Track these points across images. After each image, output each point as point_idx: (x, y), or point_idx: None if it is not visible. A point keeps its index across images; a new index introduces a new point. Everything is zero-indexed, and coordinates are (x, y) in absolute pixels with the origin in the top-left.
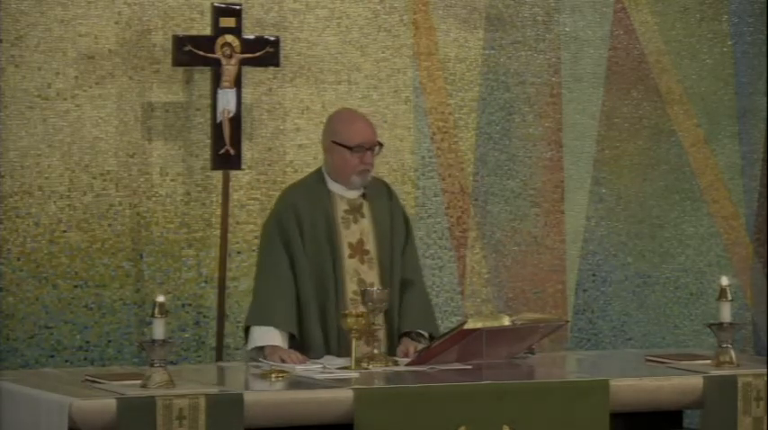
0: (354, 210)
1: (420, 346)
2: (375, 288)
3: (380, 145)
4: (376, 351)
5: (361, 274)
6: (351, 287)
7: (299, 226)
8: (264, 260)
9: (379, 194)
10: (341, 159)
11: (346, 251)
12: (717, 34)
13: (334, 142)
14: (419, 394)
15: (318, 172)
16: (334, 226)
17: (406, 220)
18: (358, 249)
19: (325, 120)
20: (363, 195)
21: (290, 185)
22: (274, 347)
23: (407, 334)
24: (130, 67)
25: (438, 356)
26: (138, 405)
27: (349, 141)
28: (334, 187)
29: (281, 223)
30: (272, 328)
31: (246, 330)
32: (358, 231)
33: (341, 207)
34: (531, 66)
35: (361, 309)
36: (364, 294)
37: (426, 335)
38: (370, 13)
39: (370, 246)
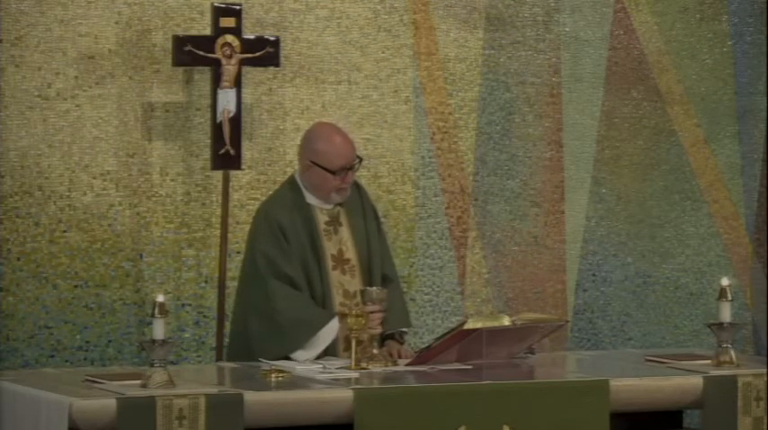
0: (334, 220)
1: (405, 348)
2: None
3: (360, 159)
4: (375, 350)
5: (345, 286)
6: (337, 299)
7: (286, 243)
8: (270, 283)
9: (353, 200)
10: (321, 179)
11: (330, 264)
12: (717, 34)
13: (314, 162)
14: (419, 394)
15: (293, 183)
16: (318, 239)
17: (375, 214)
18: (339, 260)
19: (303, 136)
20: (339, 203)
21: (269, 202)
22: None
23: (390, 335)
24: (130, 67)
25: (438, 356)
26: (138, 405)
27: (330, 165)
28: (312, 200)
29: (272, 242)
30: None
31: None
32: (338, 241)
33: (321, 219)
34: (531, 66)
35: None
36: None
37: (407, 331)
38: (370, 13)
39: (350, 253)
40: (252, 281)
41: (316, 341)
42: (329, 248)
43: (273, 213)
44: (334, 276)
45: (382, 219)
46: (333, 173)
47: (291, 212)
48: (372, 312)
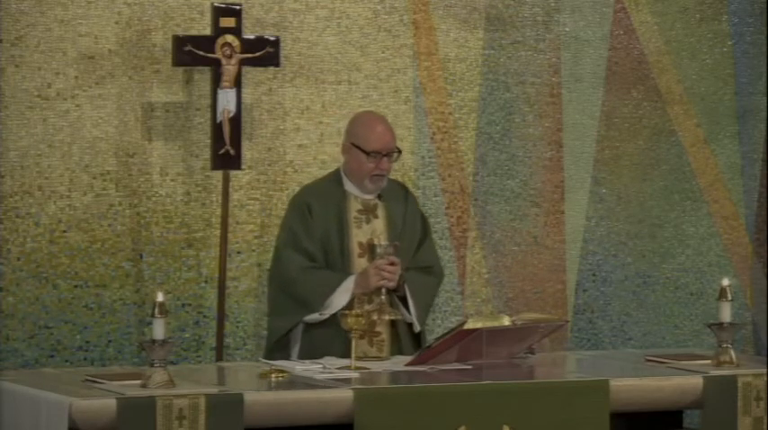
0: (368, 210)
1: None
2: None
3: (399, 151)
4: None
5: None
6: None
7: (311, 222)
8: (290, 254)
9: (396, 196)
10: (357, 162)
11: (356, 250)
12: (717, 34)
13: (353, 144)
14: (419, 394)
15: (336, 171)
16: (346, 226)
17: (424, 222)
18: (368, 249)
19: (348, 120)
20: (379, 196)
21: (306, 185)
22: (360, 277)
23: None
24: (130, 67)
25: (438, 356)
26: (138, 405)
27: (366, 146)
28: (350, 187)
29: (297, 218)
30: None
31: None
32: (369, 231)
33: (354, 207)
34: (531, 66)
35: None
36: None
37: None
38: (370, 13)
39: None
40: (275, 254)
41: (330, 303)
42: (357, 236)
43: (305, 195)
44: (361, 263)
45: None
46: (367, 154)
47: (324, 196)
48: (380, 266)
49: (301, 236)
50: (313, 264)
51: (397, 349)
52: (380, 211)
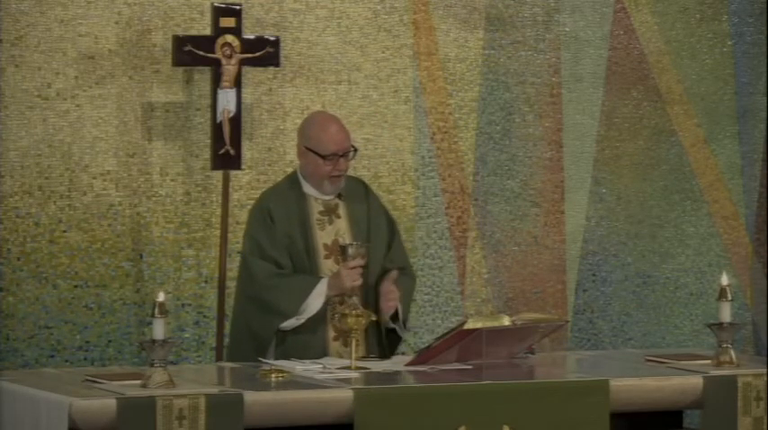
0: (330, 211)
1: (390, 285)
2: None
3: (355, 149)
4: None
5: None
6: None
7: (274, 229)
8: (256, 266)
9: (356, 194)
10: (314, 165)
11: (322, 252)
12: (717, 34)
13: (308, 148)
14: (419, 394)
15: (293, 175)
16: (309, 228)
17: (389, 218)
18: (333, 250)
19: (301, 122)
20: (339, 196)
21: (265, 191)
22: (332, 281)
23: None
24: (130, 67)
25: (438, 356)
26: (138, 405)
27: (322, 149)
28: (309, 189)
29: (260, 226)
30: (311, 293)
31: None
32: (333, 232)
33: (316, 209)
34: (531, 66)
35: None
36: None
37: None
38: (370, 13)
39: None
40: (242, 264)
41: (306, 308)
42: (322, 238)
43: (265, 200)
44: (327, 264)
45: None
46: (323, 157)
47: (284, 200)
48: (353, 267)
49: (265, 244)
50: (281, 271)
51: (365, 348)
52: (342, 211)
